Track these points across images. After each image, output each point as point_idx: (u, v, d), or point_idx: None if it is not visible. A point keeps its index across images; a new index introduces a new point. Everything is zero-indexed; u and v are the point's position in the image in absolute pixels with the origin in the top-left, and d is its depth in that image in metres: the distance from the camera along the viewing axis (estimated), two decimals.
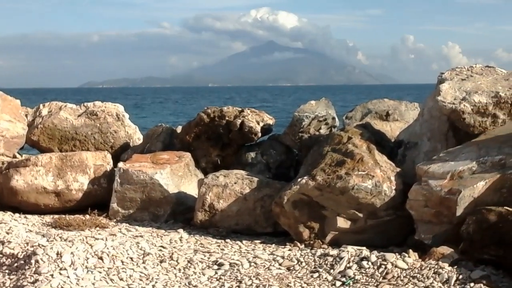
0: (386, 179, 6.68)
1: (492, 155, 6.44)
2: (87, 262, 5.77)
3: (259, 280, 5.52)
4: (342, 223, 6.72)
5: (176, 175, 8.14)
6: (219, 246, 6.74)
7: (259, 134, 8.64)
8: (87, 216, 7.85)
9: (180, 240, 6.91)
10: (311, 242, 6.73)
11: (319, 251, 6.25)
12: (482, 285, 5.28)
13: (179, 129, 9.39)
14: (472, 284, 5.31)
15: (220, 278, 5.62)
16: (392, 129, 8.89)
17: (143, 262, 5.99)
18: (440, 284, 5.36)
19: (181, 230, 7.30)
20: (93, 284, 5.42)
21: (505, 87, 7.16)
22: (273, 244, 6.84)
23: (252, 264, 6.00)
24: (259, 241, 6.97)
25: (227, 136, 8.67)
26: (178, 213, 7.93)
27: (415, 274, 5.54)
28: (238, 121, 8.53)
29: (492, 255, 5.73)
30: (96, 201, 8.39)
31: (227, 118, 8.62)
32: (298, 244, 6.73)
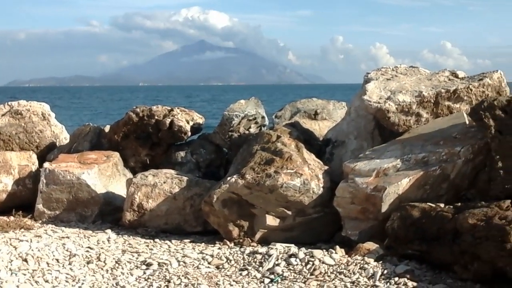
0: (314, 177, 6.78)
1: (415, 152, 6.63)
2: (11, 265, 5.63)
3: (188, 279, 5.51)
4: (271, 221, 6.77)
5: (104, 175, 8.02)
6: (147, 246, 6.68)
7: (189, 133, 8.60)
8: (11, 218, 7.65)
9: (108, 240, 6.81)
10: (241, 240, 6.76)
11: (248, 249, 6.28)
12: (406, 279, 5.43)
13: (107, 128, 9.24)
14: (396, 279, 5.44)
15: (148, 278, 5.58)
16: (320, 128, 9.02)
17: (70, 264, 5.89)
18: (365, 279, 5.47)
19: (109, 231, 7.20)
20: (17, 286, 5.29)
21: (428, 87, 7.37)
22: (203, 243, 6.84)
23: (181, 263, 5.98)
24: (188, 240, 6.95)
25: (156, 136, 8.59)
26: (106, 213, 7.82)
27: (342, 270, 5.65)
28: (168, 120, 8.47)
29: (416, 250, 5.89)
30: (21, 202, 8.18)
31: (156, 117, 8.55)
32: (228, 242, 6.75)
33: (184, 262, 6.01)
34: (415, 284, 5.34)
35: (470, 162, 6.46)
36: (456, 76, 7.68)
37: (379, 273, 5.53)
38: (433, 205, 6.10)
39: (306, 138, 7.77)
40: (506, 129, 6.22)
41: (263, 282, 5.54)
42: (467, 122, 6.88)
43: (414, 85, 7.45)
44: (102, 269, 5.84)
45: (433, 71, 7.98)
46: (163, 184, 7.36)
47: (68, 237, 6.77)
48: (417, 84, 7.50)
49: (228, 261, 6.04)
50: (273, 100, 53.87)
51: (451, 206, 6.00)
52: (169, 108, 8.73)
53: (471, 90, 7.25)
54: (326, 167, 7.07)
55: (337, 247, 6.22)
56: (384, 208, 6.27)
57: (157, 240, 6.93)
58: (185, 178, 7.46)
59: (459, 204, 6.05)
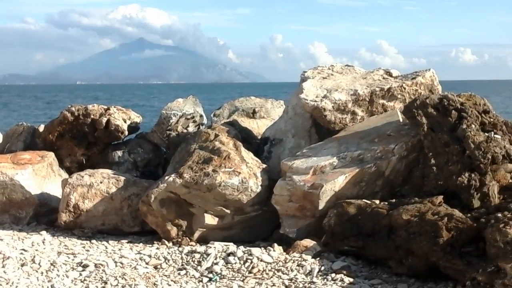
0: (253, 175, 6.80)
1: (351, 150, 6.73)
2: None
3: (125, 280, 5.44)
4: (210, 219, 6.77)
5: (39, 176, 7.84)
6: (84, 247, 6.57)
7: (126, 133, 8.51)
8: None
9: (43, 242, 6.66)
10: (179, 240, 6.72)
11: (187, 249, 6.26)
12: (342, 275, 5.51)
13: (41, 128, 9.04)
14: (333, 275, 5.52)
15: (84, 280, 5.49)
16: (258, 126, 9.06)
17: (3, 266, 5.73)
18: (303, 276, 5.53)
19: (44, 232, 7.06)
20: None
21: (363, 85, 7.50)
22: (141, 243, 6.79)
23: (118, 264, 5.91)
24: (126, 241, 6.88)
25: (92, 135, 8.46)
26: (41, 214, 7.65)
27: (280, 267, 5.69)
28: (104, 119, 8.35)
29: (352, 246, 5.99)
30: None
31: (92, 116, 8.42)
32: (166, 242, 6.71)
33: (121, 263, 5.94)
34: (351, 279, 5.43)
35: (404, 159, 6.60)
36: (390, 75, 7.83)
37: (317, 270, 5.59)
38: (368, 201, 6.21)
39: (244, 137, 7.79)
40: (438, 127, 6.38)
41: (201, 281, 5.52)
42: (401, 120, 7.03)
43: (349, 84, 7.57)
44: (36, 271, 5.71)
45: (368, 70, 8.12)
46: (99, 184, 7.26)
47: (1, 240, 6.60)
48: (353, 82, 7.62)
49: (166, 261, 6.00)
50: (213, 99, 53.77)
51: (386, 203, 6.13)
52: (106, 107, 8.61)
53: (404, 88, 7.41)
54: (264, 166, 7.11)
55: (275, 244, 6.27)
56: (321, 205, 6.34)
57: (93, 241, 6.83)
58: (122, 178, 7.37)
59: (394, 200, 6.18)
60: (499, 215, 5.28)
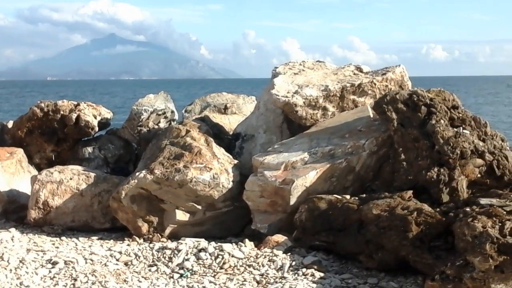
0: (224, 171, 6.79)
1: (322, 145, 6.76)
2: None
3: (95, 276, 5.40)
4: (181, 216, 6.75)
5: (8, 172, 7.75)
6: (53, 244, 6.51)
7: (96, 129, 8.44)
8: None
9: (12, 239, 6.58)
10: (150, 236, 6.69)
11: (158, 245, 6.23)
12: (313, 270, 5.53)
13: (10, 124, 8.93)
14: (304, 270, 5.53)
15: (54, 277, 5.43)
16: (230, 122, 9.06)
17: None
18: (274, 271, 5.54)
19: (13, 229, 6.96)
20: None
21: (334, 81, 7.53)
22: (111, 240, 6.74)
23: (88, 261, 5.85)
24: (96, 238, 6.83)
25: (62, 131, 8.37)
26: (10, 212, 7.55)
27: (251, 263, 5.69)
28: (74, 115, 8.27)
29: (323, 241, 6.02)
30: None
31: (62, 112, 8.33)
32: (137, 238, 6.67)
33: (92, 260, 5.88)
34: (322, 274, 5.45)
35: (374, 154, 6.64)
36: (361, 71, 7.88)
37: (288, 265, 5.61)
38: (339, 196, 6.24)
39: (216, 133, 7.78)
40: (407, 122, 6.44)
41: (172, 277, 5.50)
42: (371, 116, 7.08)
43: (320, 80, 7.60)
44: (5, 268, 5.63)
45: (339, 66, 8.16)
46: (69, 180, 7.19)
47: None
48: (324, 78, 7.65)
49: (137, 257, 5.97)
50: (185, 95, 53.58)
51: (357, 198, 6.17)
52: (75, 103, 8.53)
53: (375, 84, 7.46)
54: (236, 161, 7.10)
55: (247, 240, 6.27)
56: (293, 200, 6.36)
57: (63, 238, 6.77)
58: (92, 174, 7.31)
59: (364, 195, 6.23)
60: (468, 209, 5.35)
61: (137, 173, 6.75)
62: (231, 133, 8.23)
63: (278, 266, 5.61)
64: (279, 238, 6.18)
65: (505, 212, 5.15)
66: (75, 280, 5.34)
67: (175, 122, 8.66)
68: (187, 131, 7.24)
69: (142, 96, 9.06)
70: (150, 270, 5.68)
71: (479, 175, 6.13)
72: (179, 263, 5.74)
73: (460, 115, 6.54)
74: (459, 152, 6.08)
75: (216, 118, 8.91)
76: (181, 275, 5.51)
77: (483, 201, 5.49)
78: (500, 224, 5.02)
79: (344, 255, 5.88)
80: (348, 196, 6.26)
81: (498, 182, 6.11)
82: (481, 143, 6.25)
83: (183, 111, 9.57)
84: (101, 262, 5.85)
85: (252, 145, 7.73)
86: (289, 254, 5.89)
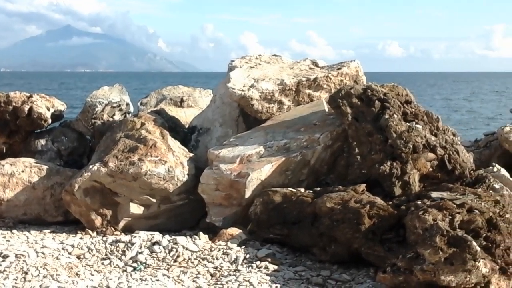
0: (179, 164, 6.76)
1: (278, 139, 6.78)
2: None
3: (47, 270, 5.31)
4: (135, 209, 6.70)
5: None
6: (4, 237, 6.39)
7: (49, 121, 8.28)
8: None
9: None
10: (104, 229, 6.64)
11: (111, 238, 6.16)
12: (267, 262, 5.55)
13: None
14: (258, 263, 5.55)
15: (4, 271, 5.31)
16: (186, 115, 9.01)
17: None
18: (228, 264, 5.54)
19: None
20: None
21: (290, 75, 7.56)
22: (64, 233, 6.67)
23: (40, 254, 5.76)
24: (48, 231, 6.74)
25: (14, 123, 8.19)
26: None
27: (205, 256, 5.68)
28: (26, 107, 8.10)
29: (277, 234, 6.05)
30: None
31: (14, 104, 8.15)
32: (90, 232, 6.61)
33: (43, 253, 5.79)
34: (276, 267, 5.48)
35: (329, 148, 6.70)
36: (317, 65, 7.93)
37: (242, 258, 5.62)
38: (294, 190, 6.28)
39: (171, 126, 7.74)
40: (361, 117, 6.51)
41: (125, 270, 5.45)
42: (327, 110, 7.13)
43: (276, 74, 7.62)
44: None
45: (295, 60, 8.19)
46: (21, 173, 7.07)
47: None
48: (280, 72, 7.68)
49: (90, 250, 5.90)
50: (143, 88, 53.14)
51: (311, 191, 6.22)
52: (28, 94, 8.35)
53: (330, 78, 7.52)
54: (191, 154, 7.08)
55: (201, 233, 6.25)
56: (248, 194, 6.37)
57: (15, 231, 6.66)
58: (45, 167, 7.20)
59: (319, 188, 6.28)
60: (419, 202, 5.44)
61: (90, 166, 6.68)
62: (187, 126, 8.19)
63: (232, 259, 5.62)
64: (234, 231, 6.19)
65: (455, 205, 5.25)
66: (26, 273, 5.24)
67: (130, 115, 8.57)
68: (142, 124, 7.19)
69: (97, 88, 8.95)
70: (103, 264, 5.62)
71: (430, 169, 6.24)
72: (132, 256, 5.70)
73: (413, 110, 6.64)
74: (411, 146, 6.17)
75: (172, 111, 8.85)
76: (135, 268, 5.47)
77: (434, 194, 5.58)
78: (450, 217, 5.12)
79: (298, 248, 5.93)
80: (302, 190, 6.30)
81: (449, 176, 6.22)
82: (433, 138, 6.36)
83: (139, 103, 9.48)
84: (53, 256, 5.76)
85: (208, 138, 7.71)
86: (244, 247, 5.90)
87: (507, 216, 5.38)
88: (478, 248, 4.85)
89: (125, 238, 6.07)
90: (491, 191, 5.93)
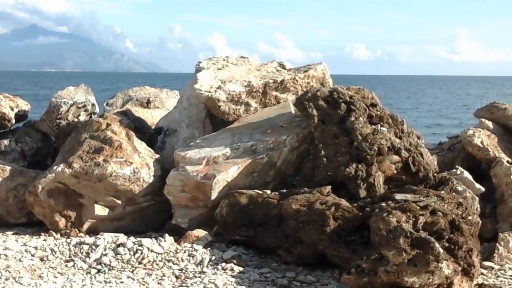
0: (145, 165, 6.73)
1: (244, 141, 6.79)
2: None
3: (9, 272, 5.23)
4: (100, 210, 6.64)
5: None
6: None
7: (13, 121, 8.16)
8: None
9: None
10: (68, 231, 6.57)
11: (75, 240, 6.09)
12: (233, 264, 5.56)
13: None
14: (224, 264, 5.56)
15: None
16: (153, 116, 8.95)
17: None
18: (194, 266, 5.53)
19: None
20: None
21: (257, 77, 7.57)
22: (27, 235, 6.59)
23: (2, 256, 5.66)
24: (11, 232, 6.66)
25: None
26: None
27: (171, 258, 5.66)
28: None
29: (243, 235, 6.05)
30: None
31: None
32: (54, 233, 6.53)
33: (6, 255, 5.70)
34: (241, 268, 5.49)
35: (295, 150, 6.72)
36: (284, 67, 7.96)
37: (207, 260, 5.61)
38: (260, 191, 6.29)
39: (138, 127, 7.69)
40: (327, 119, 6.55)
41: (89, 273, 5.40)
42: (293, 112, 7.16)
43: (244, 75, 7.62)
44: None
45: (262, 62, 8.21)
46: None
47: None
48: (247, 74, 7.68)
49: (53, 252, 5.83)
50: (110, 88, 52.68)
51: (277, 193, 6.23)
52: None
53: (297, 81, 7.55)
54: (157, 156, 7.04)
55: (167, 235, 6.23)
56: (214, 195, 6.36)
57: None
58: (8, 168, 7.10)
59: (285, 190, 6.30)
60: (383, 204, 5.50)
61: (55, 167, 6.60)
62: (153, 127, 8.15)
63: (198, 261, 5.61)
64: (200, 233, 6.18)
65: (419, 207, 5.32)
66: None
67: (95, 116, 8.48)
68: (108, 125, 7.13)
69: (63, 88, 8.84)
70: (66, 266, 5.56)
71: (395, 171, 6.30)
72: (96, 258, 5.64)
73: (378, 112, 6.71)
74: (376, 148, 6.22)
75: (138, 112, 8.79)
76: (99, 271, 5.42)
77: (398, 196, 5.65)
78: (414, 219, 5.19)
79: (264, 249, 5.94)
80: (268, 191, 6.32)
81: (413, 178, 6.29)
82: (397, 140, 6.42)
83: (104, 104, 9.39)
84: (15, 258, 5.67)
85: (175, 139, 7.68)
86: (209, 248, 5.90)
87: (469, 218, 5.48)
88: (441, 250, 4.92)
89: (89, 240, 6.00)
90: (454, 193, 6.01)
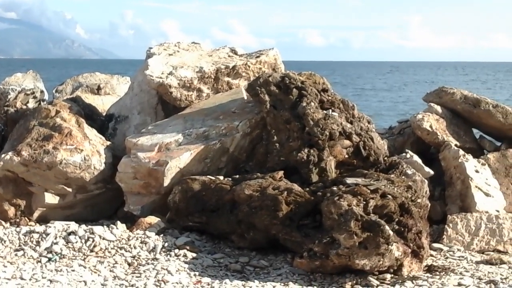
0: (96, 152, 6.66)
1: (197, 127, 6.76)
2: None
3: None
4: (50, 199, 6.56)
5: None
6: None
7: None
8: None
9: None
10: (17, 220, 6.49)
11: (25, 229, 5.97)
12: (186, 250, 5.56)
13: None
14: (177, 251, 5.55)
15: None
16: (104, 103, 8.83)
17: None
18: (146, 253, 5.50)
19: None
20: None
21: (209, 63, 7.54)
22: None
23: None
24: None
25: None
26: None
27: (123, 245, 5.62)
28: None
29: (196, 222, 6.05)
30: None
31: None
32: (3, 222, 6.43)
33: None
34: (194, 254, 5.50)
35: (248, 135, 6.73)
36: (236, 53, 7.94)
37: (160, 246, 5.59)
38: (213, 177, 6.29)
39: (88, 113, 7.59)
40: (279, 104, 6.57)
41: (40, 261, 5.33)
42: (245, 98, 7.16)
43: (195, 61, 7.58)
44: None
45: (214, 48, 8.17)
46: None
47: None
48: (198, 60, 7.64)
49: (2, 242, 5.71)
50: (61, 75, 51.75)
51: (230, 178, 6.24)
52: None
53: (249, 66, 7.54)
54: (109, 143, 6.98)
55: (119, 222, 6.17)
56: (166, 182, 6.33)
57: None
58: None
59: (238, 176, 6.31)
60: (335, 188, 5.56)
61: (3, 155, 6.49)
62: (104, 114, 8.04)
63: (151, 248, 5.58)
64: (152, 219, 6.15)
65: (369, 191, 5.40)
66: None
67: (44, 103, 8.33)
68: (57, 112, 7.01)
69: (10, 75, 8.65)
70: (16, 255, 5.47)
71: (346, 156, 6.36)
72: (47, 247, 5.56)
73: (330, 98, 6.76)
74: (328, 133, 6.27)
75: (89, 98, 8.66)
76: (49, 259, 5.35)
77: (349, 180, 5.71)
78: (364, 202, 5.27)
79: (217, 235, 5.95)
80: (221, 177, 6.32)
81: (364, 162, 6.37)
82: (348, 125, 6.49)
83: (54, 91, 9.23)
84: None
85: (126, 126, 7.60)
86: (162, 235, 5.87)
87: (418, 200, 5.59)
88: (391, 232, 5.01)
89: (40, 228, 5.90)
90: (403, 177, 6.11)
